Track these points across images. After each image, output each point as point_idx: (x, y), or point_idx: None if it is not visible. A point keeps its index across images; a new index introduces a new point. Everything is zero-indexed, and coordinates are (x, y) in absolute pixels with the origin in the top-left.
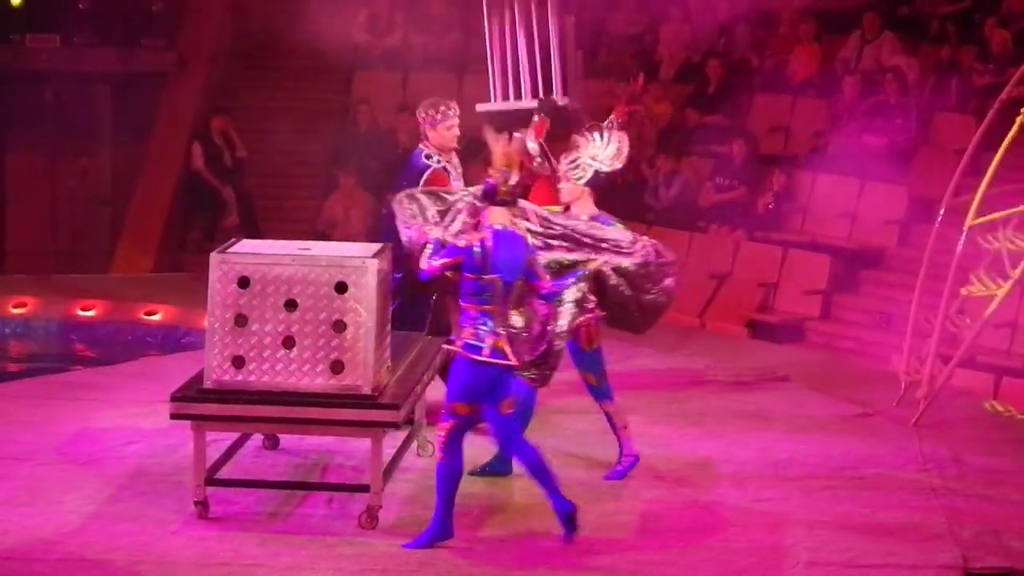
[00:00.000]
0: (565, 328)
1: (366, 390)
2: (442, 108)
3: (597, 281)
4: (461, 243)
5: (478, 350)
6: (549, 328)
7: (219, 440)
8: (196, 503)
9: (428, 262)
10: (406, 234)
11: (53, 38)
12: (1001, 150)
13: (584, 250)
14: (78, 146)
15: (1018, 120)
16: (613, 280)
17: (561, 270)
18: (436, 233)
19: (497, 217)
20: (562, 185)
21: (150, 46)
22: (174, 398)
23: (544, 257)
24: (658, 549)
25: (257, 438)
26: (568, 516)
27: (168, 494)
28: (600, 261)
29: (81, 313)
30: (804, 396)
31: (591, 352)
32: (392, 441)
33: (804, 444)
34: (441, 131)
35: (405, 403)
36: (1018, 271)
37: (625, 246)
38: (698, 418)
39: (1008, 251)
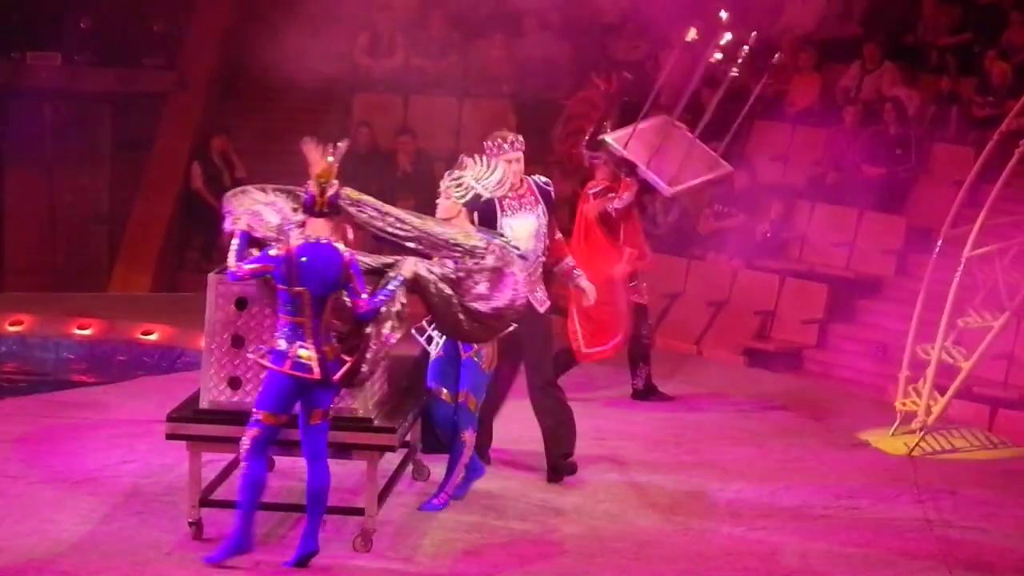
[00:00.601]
0: (385, 345)
1: (362, 413)
2: (499, 140)
3: (418, 286)
4: (272, 252)
5: (281, 361)
6: (366, 346)
7: (214, 461)
8: (190, 524)
9: (237, 264)
10: (226, 227)
11: (54, 56)
12: (1000, 182)
13: (441, 252)
14: (77, 164)
15: (1017, 152)
16: (434, 287)
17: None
18: (242, 225)
19: (316, 229)
20: (440, 201)
21: (150, 66)
22: (170, 418)
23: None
24: None
25: None
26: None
27: (163, 514)
28: (412, 263)
29: (78, 332)
30: (800, 425)
31: (486, 374)
32: (387, 464)
33: (799, 473)
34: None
35: (401, 426)
36: (1015, 303)
37: (479, 251)
38: (693, 446)
39: (1005, 282)
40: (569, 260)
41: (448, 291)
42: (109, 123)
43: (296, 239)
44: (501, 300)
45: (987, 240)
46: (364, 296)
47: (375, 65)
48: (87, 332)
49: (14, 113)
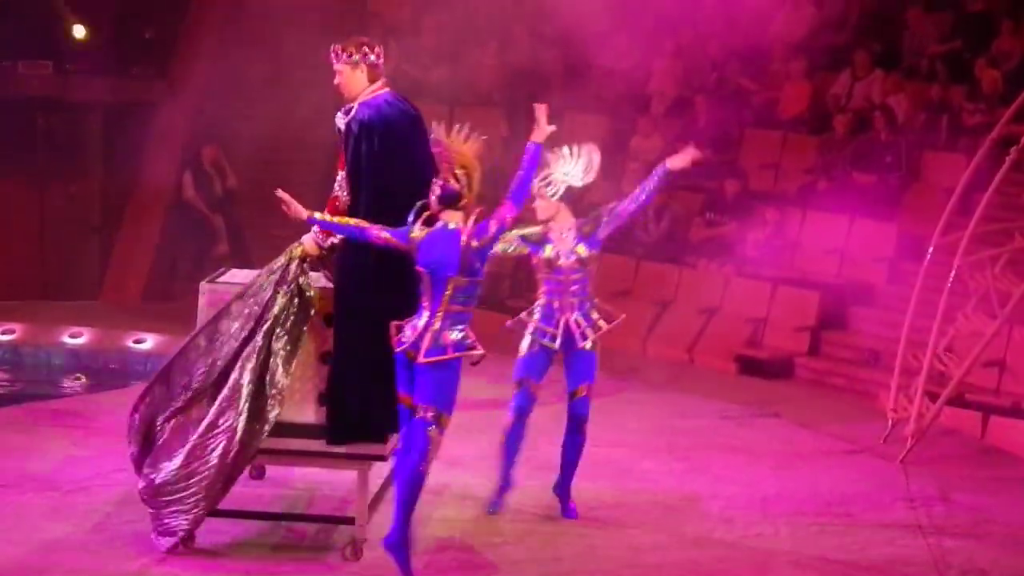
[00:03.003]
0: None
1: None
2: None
3: None
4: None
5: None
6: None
7: None
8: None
9: (377, 232)
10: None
11: (46, 65)
12: (991, 189)
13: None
14: (68, 173)
15: (1007, 159)
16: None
17: None
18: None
19: (451, 217)
20: (537, 203)
21: (141, 75)
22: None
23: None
24: None
25: None
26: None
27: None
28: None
29: (69, 340)
30: (792, 432)
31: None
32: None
33: (792, 480)
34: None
35: (392, 435)
36: (1006, 310)
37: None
38: (686, 453)
39: (996, 290)
40: None
41: None
42: (100, 132)
43: (420, 231)
44: None
45: (978, 247)
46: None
47: None
48: (79, 341)
49: (5, 122)
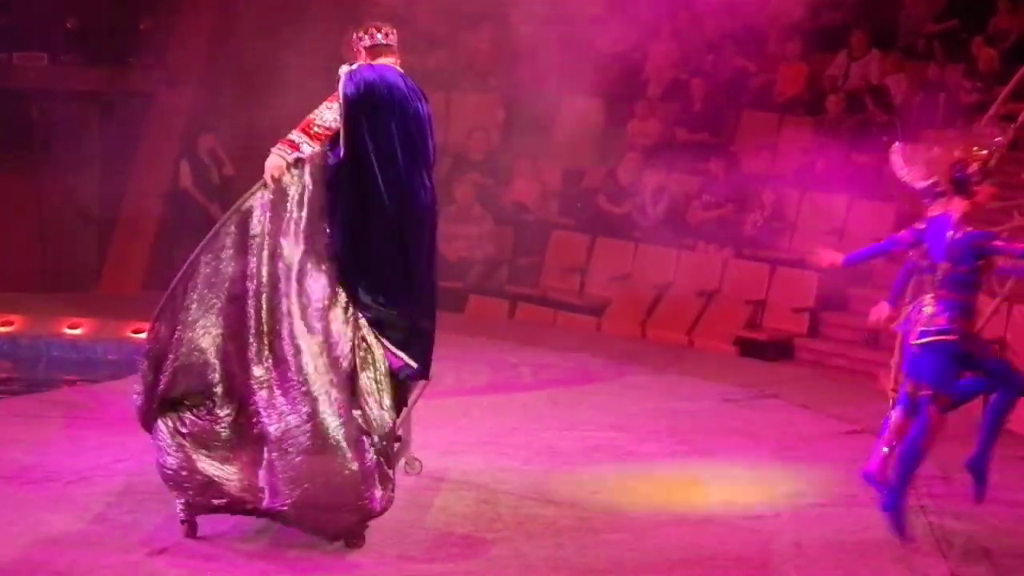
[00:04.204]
0: None
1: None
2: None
3: None
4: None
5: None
6: None
7: None
8: (183, 522)
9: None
10: None
11: (41, 56)
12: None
13: None
14: (65, 164)
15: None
16: None
17: None
18: None
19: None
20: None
21: (138, 65)
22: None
23: None
24: (647, 567)
25: None
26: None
27: (156, 512)
28: None
29: (68, 331)
30: (793, 413)
31: None
32: None
33: (793, 461)
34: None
35: (395, 421)
36: (1005, 288)
37: None
38: (687, 435)
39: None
40: None
41: None
42: (97, 122)
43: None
44: None
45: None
46: None
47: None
48: (78, 332)
49: (1, 113)
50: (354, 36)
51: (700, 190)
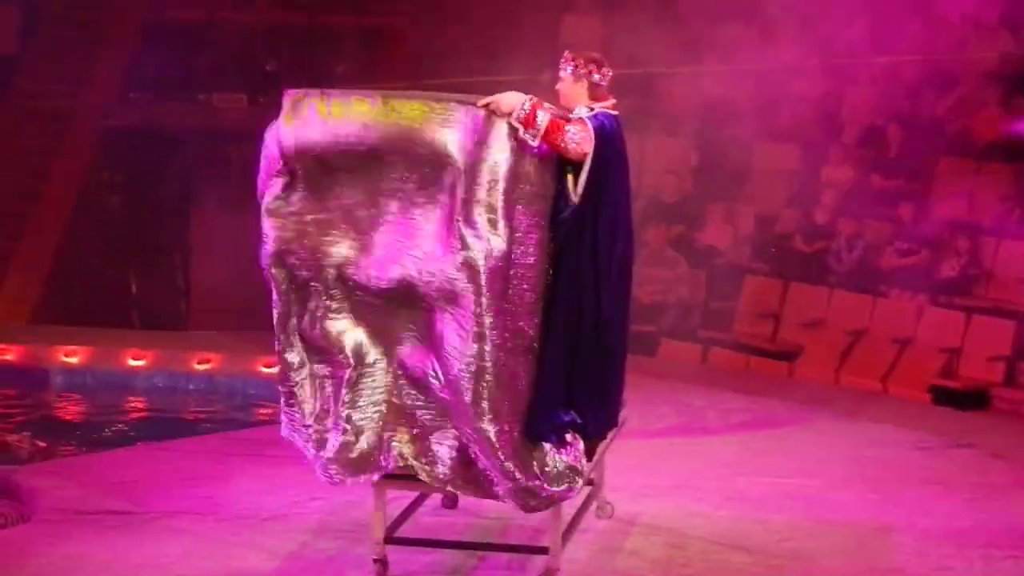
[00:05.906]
0: None
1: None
2: None
3: None
4: None
5: None
6: None
7: (398, 498)
8: (375, 561)
9: None
10: None
11: (240, 97)
12: None
13: None
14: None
15: None
16: None
17: None
18: None
19: None
20: None
21: None
22: None
23: None
24: None
25: (436, 497)
26: None
27: (348, 551)
28: None
29: (264, 370)
30: (988, 463)
31: None
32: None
33: (987, 512)
34: None
35: (587, 464)
36: None
37: None
38: (878, 483)
39: None
40: None
41: None
42: None
43: None
44: None
45: None
46: None
47: None
48: (274, 371)
49: (201, 154)
50: (582, 62)
51: (894, 236)
